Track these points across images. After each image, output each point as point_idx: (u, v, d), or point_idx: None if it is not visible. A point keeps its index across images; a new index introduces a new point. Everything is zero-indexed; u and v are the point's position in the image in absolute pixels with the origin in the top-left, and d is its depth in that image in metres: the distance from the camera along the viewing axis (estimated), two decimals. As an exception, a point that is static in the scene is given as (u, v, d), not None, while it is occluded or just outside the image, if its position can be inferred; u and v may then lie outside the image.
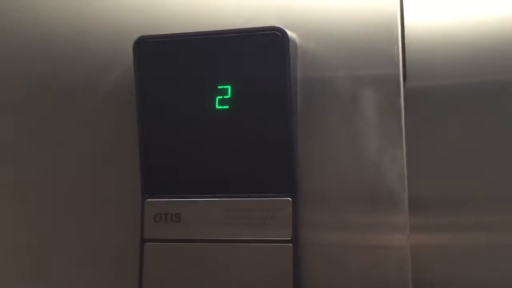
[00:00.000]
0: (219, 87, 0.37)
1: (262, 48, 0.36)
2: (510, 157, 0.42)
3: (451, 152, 0.43)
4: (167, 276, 0.37)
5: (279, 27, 0.36)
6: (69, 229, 0.41)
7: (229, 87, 0.37)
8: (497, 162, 0.42)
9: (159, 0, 0.41)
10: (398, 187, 0.37)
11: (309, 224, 0.37)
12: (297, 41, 0.39)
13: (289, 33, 0.37)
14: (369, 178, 0.37)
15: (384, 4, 0.39)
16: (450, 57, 0.44)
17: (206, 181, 0.38)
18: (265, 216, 0.36)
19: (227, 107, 0.37)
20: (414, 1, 0.45)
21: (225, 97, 0.37)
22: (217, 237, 0.37)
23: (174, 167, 0.38)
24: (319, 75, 0.39)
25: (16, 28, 0.44)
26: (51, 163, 0.42)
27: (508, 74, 0.43)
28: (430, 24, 0.45)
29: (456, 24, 0.44)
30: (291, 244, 0.36)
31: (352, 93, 0.38)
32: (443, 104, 0.44)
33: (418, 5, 0.45)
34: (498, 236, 0.42)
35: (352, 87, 0.38)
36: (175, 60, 0.38)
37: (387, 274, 0.36)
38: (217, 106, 0.37)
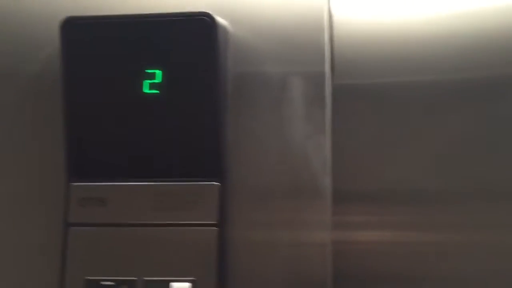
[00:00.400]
0: (147, 71, 0.37)
1: (192, 34, 0.37)
2: (434, 153, 0.44)
3: (376, 149, 0.44)
4: (92, 261, 0.37)
5: (208, 13, 0.37)
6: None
7: (157, 71, 0.37)
8: (420, 159, 0.44)
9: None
10: (321, 174, 0.38)
11: (235, 211, 0.38)
12: (229, 28, 0.39)
13: (219, 19, 0.37)
14: (295, 165, 0.38)
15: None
16: (378, 56, 0.45)
17: (133, 165, 0.37)
18: (193, 201, 0.37)
19: (157, 91, 0.37)
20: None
21: (154, 81, 0.37)
22: (144, 221, 0.37)
23: (100, 151, 0.37)
24: (250, 63, 0.40)
25: None
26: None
27: (434, 75, 0.44)
28: (359, 22, 0.46)
29: (385, 23, 0.46)
30: (217, 228, 0.36)
31: (281, 83, 0.39)
32: (371, 101, 0.45)
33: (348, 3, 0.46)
34: (422, 234, 0.43)
35: (281, 77, 0.39)
36: (103, 42, 0.37)
37: (309, 265, 0.37)
38: (145, 90, 0.37)
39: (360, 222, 0.43)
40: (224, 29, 0.38)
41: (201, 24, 0.36)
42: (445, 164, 0.42)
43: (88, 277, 0.36)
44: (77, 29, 0.37)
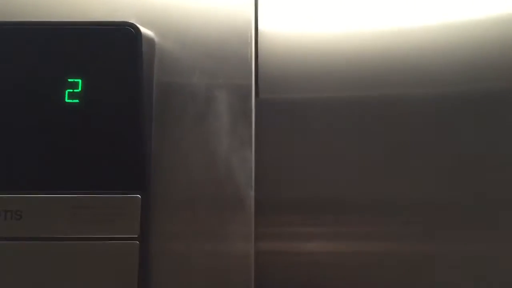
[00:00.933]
0: (69, 80, 0.36)
1: (116, 44, 0.36)
2: (358, 165, 0.45)
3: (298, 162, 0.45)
4: (7, 276, 0.35)
5: (132, 23, 0.36)
6: None
7: (79, 80, 0.36)
8: (343, 170, 0.45)
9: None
10: (245, 186, 0.38)
11: (158, 224, 0.37)
12: (155, 39, 0.39)
13: (144, 30, 0.37)
14: (219, 178, 0.38)
15: (240, 11, 0.40)
16: (303, 70, 0.46)
17: (52, 177, 0.36)
18: (114, 213, 0.36)
19: (77, 101, 0.36)
20: (270, 11, 0.47)
21: (75, 90, 0.36)
22: (62, 235, 0.36)
23: (17, 162, 0.36)
24: (176, 75, 0.40)
25: None
26: None
27: (359, 91, 0.46)
28: (285, 36, 0.47)
29: (311, 37, 0.47)
30: (137, 242, 0.36)
31: (207, 96, 0.39)
32: (294, 115, 0.45)
33: (275, 16, 0.47)
34: (354, 244, 0.44)
35: (207, 90, 0.39)
36: (22, 49, 0.36)
37: (231, 279, 0.37)
38: (66, 100, 0.36)
39: (284, 232, 0.43)
40: (149, 40, 0.38)
41: (125, 34, 0.36)
42: (366, 175, 0.44)
43: (1, 294, 0.35)
44: (-6, 34, 0.36)
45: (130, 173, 0.36)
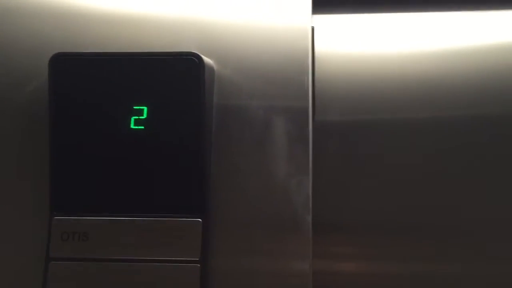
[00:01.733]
0: (135, 107, 0.38)
1: (179, 72, 0.38)
2: (411, 187, 0.45)
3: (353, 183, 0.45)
4: (72, 296, 0.37)
5: (196, 53, 0.38)
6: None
7: (145, 108, 0.37)
8: (397, 192, 0.45)
9: (80, 17, 0.42)
10: (303, 211, 0.38)
11: (217, 247, 0.38)
12: (215, 67, 0.40)
13: (205, 59, 0.38)
14: (277, 203, 0.39)
15: (297, 38, 0.41)
16: (358, 93, 0.47)
17: (116, 200, 0.38)
18: (175, 237, 0.37)
19: (142, 127, 0.37)
20: (326, 35, 0.48)
21: (140, 117, 0.38)
22: (125, 256, 0.37)
23: (84, 185, 0.38)
24: (235, 101, 0.41)
25: None
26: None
27: (419, 112, 0.46)
28: (341, 59, 0.48)
29: (367, 61, 0.48)
30: (199, 265, 0.36)
31: (265, 121, 0.40)
32: (349, 138, 0.46)
33: (331, 41, 0.48)
34: (405, 266, 0.44)
35: (264, 115, 0.40)
36: (91, 78, 0.38)
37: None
38: (132, 126, 0.38)
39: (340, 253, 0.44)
40: (210, 68, 0.39)
41: (189, 64, 0.37)
42: (422, 197, 0.44)
43: (68, 313, 0.36)
44: (66, 65, 0.38)
45: (191, 197, 0.37)
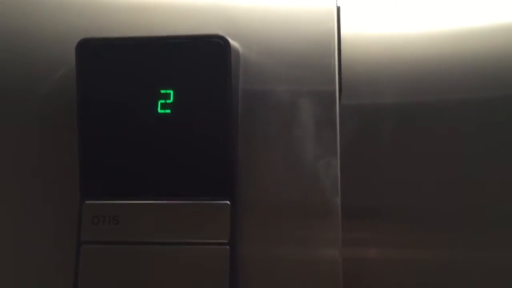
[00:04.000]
0: (161, 91, 0.38)
1: (205, 56, 0.37)
2: (441, 173, 0.45)
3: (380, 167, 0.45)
4: (104, 279, 0.37)
5: (222, 36, 0.37)
6: (6, 230, 0.40)
7: (171, 91, 0.38)
8: (424, 179, 0.45)
9: (103, 3, 0.42)
10: (331, 193, 0.38)
11: (245, 230, 0.38)
12: (240, 50, 0.40)
13: (231, 41, 0.38)
14: (305, 185, 0.39)
15: (322, 20, 0.41)
16: (388, 75, 0.46)
17: (145, 184, 0.38)
18: (204, 219, 0.37)
19: (169, 111, 0.38)
20: (352, 16, 0.47)
21: (167, 101, 0.38)
22: (155, 239, 0.37)
23: (113, 169, 0.38)
24: (260, 85, 0.40)
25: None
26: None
27: (450, 94, 0.46)
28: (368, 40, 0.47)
29: (392, 41, 0.47)
30: (228, 247, 0.37)
31: (291, 104, 0.40)
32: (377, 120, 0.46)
33: (357, 21, 0.48)
34: (431, 252, 0.44)
35: (291, 98, 0.40)
36: (117, 63, 0.38)
37: (319, 285, 0.37)
38: (159, 110, 0.38)
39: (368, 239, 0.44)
40: (236, 51, 0.39)
41: (215, 46, 0.37)
42: (449, 184, 0.43)
43: (100, 295, 0.37)
44: (92, 50, 0.38)
45: (219, 180, 0.37)
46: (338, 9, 0.41)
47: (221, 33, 0.39)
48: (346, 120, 0.44)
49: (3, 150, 0.41)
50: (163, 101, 0.38)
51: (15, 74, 0.42)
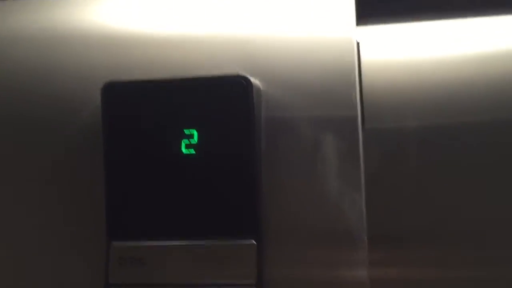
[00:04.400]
0: (185, 131, 0.38)
1: (228, 95, 0.38)
2: (465, 196, 0.44)
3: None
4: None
5: (244, 75, 0.38)
6: (35, 272, 0.40)
7: (195, 132, 0.38)
8: (451, 200, 0.45)
9: (128, 46, 0.42)
10: (357, 229, 0.38)
11: (272, 264, 0.38)
12: (261, 86, 0.40)
13: (252, 79, 0.38)
14: (331, 220, 0.38)
15: (342, 51, 0.41)
16: (407, 99, 0.46)
17: (171, 225, 0.38)
18: (230, 260, 0.37)
19: (193, 151, 0.38)
20: (372, 43, 0.48)
21: (191, 141, 0.38)
22: (181, 281, 0.37)
23: (140, 211, 0.38)
24: (282, 119, 0.40)
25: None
26: (15, 204, 0.42)
27: (466, 117, 0.45)
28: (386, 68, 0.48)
29: (411, 69, 0.47)
30: (255, 288, 0.36)
31: (313, 136, 0.40)
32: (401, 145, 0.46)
33: (376, 50, 0.48)
34: (456, 271, 0.44)
35: (313, 131, 0.40)
36: (142, 105, 0.39)
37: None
38: (183, 150, 0.38)
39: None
40: (257, 87, 0.39)
41: (237, 86, 0.37)
42: (471, 206, 0.43)
43: (128, 338, 0.37)
44: (117, 93, 0.39)
45: (245, 220, 0.37)
46: (358, 44, 0.41)
47: (240, 69, 0.39)
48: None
49: (30, 187, 0.42)
50: (187, 141, 0.38)
51: (39, 113, 0.43)
